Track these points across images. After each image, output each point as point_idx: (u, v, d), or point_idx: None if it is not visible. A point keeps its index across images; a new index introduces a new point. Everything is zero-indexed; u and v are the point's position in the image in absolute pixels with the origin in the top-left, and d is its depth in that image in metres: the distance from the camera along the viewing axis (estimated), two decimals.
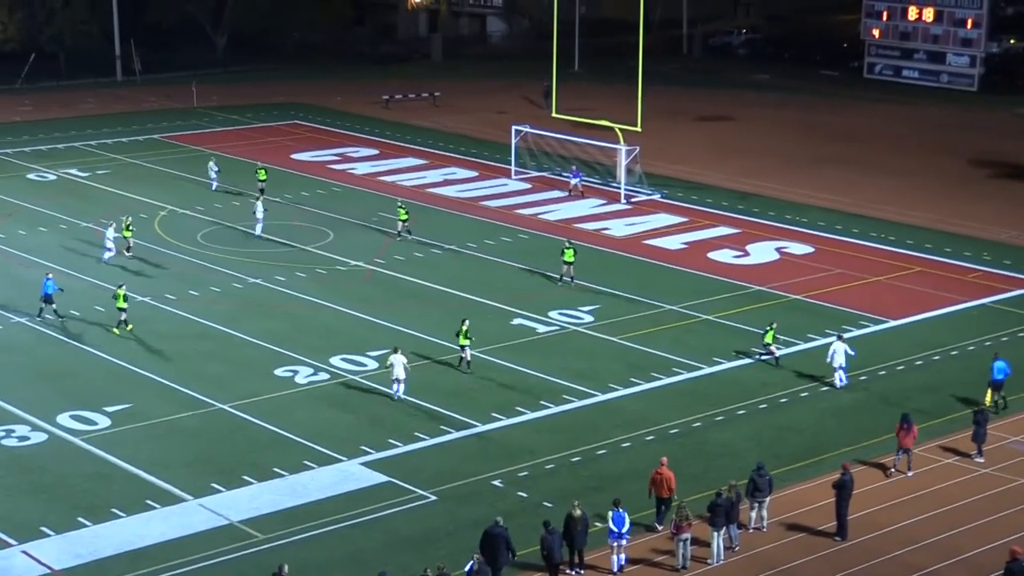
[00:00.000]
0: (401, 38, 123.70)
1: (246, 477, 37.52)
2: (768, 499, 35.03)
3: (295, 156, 75.94)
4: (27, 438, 39.88)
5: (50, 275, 50.16)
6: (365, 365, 45.44)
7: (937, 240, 61.42)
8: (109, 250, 55.91)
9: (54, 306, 49.35)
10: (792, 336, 48.44)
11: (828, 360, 44.38)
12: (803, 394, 43.84)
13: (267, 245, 58.99)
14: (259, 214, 60.10)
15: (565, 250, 54.31)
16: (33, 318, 49.28)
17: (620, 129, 69.94)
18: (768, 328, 46.66)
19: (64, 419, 41.08)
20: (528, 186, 70.39)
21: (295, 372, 44.86)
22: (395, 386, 42.85)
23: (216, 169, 69.04)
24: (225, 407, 42.16)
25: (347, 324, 49.57)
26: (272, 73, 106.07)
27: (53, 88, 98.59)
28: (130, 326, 48.40)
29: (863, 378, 45.21)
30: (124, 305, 48.30)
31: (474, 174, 72.89)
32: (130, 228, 57.57)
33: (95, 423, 40.86)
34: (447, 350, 46.73)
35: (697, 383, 44.69)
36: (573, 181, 68.25)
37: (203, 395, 42.94)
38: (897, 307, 52.22)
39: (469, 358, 45.15)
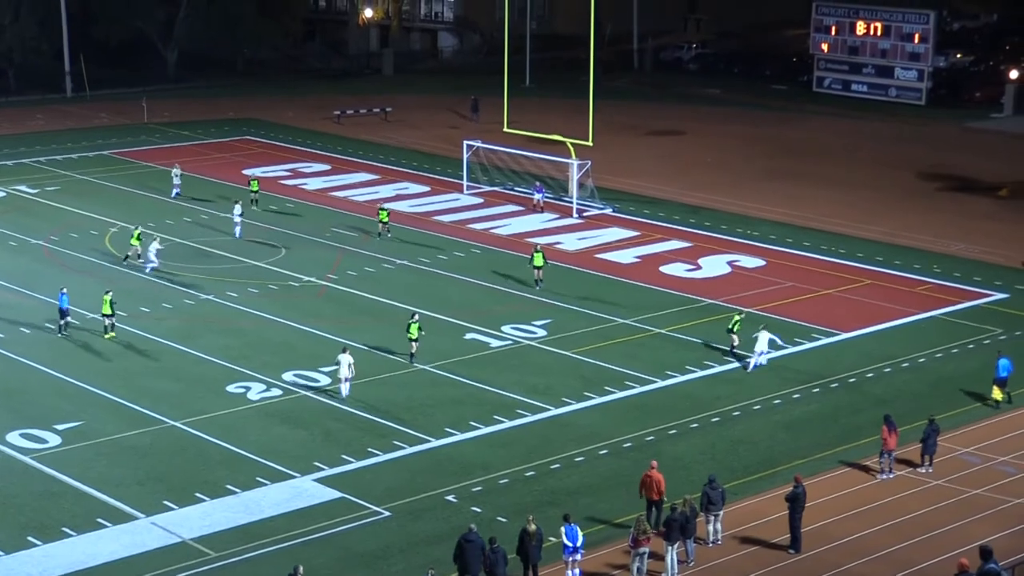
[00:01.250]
0: (352, 53, 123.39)
1: (198, 494, 37.20)
2: (722, 512, 35.03)
3: (247, 171, 75.53)
4: None
5: (64, 289, 49.84)
6: (318, 381, 45.21)
7: (887, 253, 61.73)
8: (152, 262, 56.12)
9: (66, 320, 49.07)
10: (743, 349, 48.51)
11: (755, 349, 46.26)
12: (756, 407, 43.92)
13: (219, 261, 58.63)
14: (236, 217, 61.26)
15: (535, 254, 55.21)
16: None
17: (572, 143, 69.97)
18: (737, 318, 48.14)
19: (13, 437, 40.62)
20: (480, 201, 70.33)
21: (247, 388, 44.59)
22: (345, 385, 43.39)
23: (179, 174, 69.28)
24: (177, 424, 41.83)
25: (300, 340, 49.33)
26: (223, 89, 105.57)
27: (1, 104, 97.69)
28: (111, 333, 48.56)
29: (815, 390, 45.35)
30: (110, 311, 48.53)
31: (426, 189, 72.79)
32: (139, 238, 57.82)
33: (45, 441, 40.43)
34: (400, 365, 46.57)
35: (650, 397, 44.70)
36: (536, 197, 68.08)
37: (155, 412, 42.59)
38: (848, 319, 52.43)
39: (414, 351, 46.38)
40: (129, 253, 57.95)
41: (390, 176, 75.83)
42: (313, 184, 73.75)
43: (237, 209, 62.42)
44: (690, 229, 65.39)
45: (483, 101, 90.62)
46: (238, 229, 61.77)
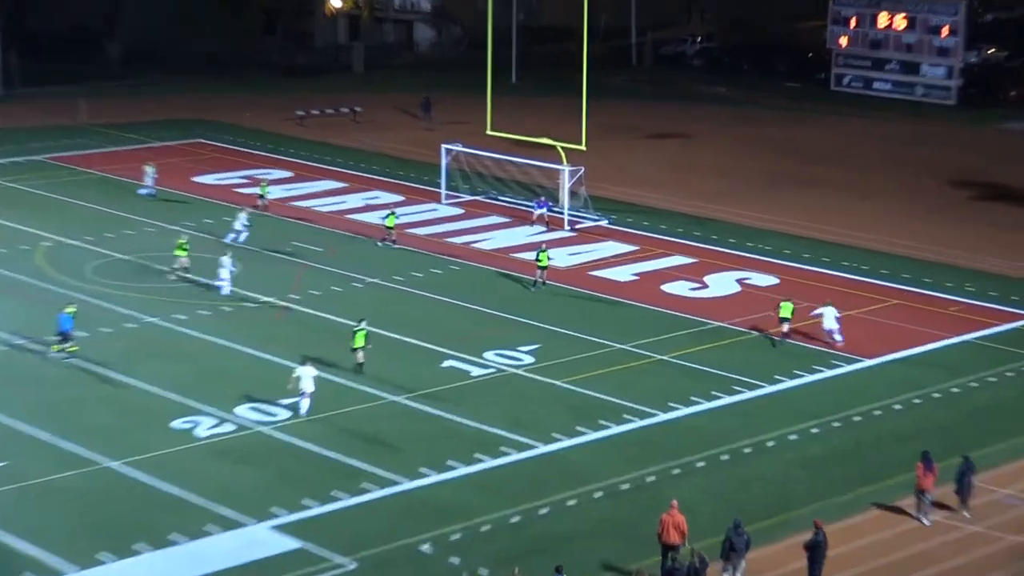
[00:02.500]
0: (318, 47, 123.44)
1: (138, 545, 36.62)
2: (744, 562, 34.58)
3: (197, 179, 75.21)
4: None
5: (67, 309, 49.76)
6: (275, 415, 44.68)
7: (915, 269, 61.58)
8: (224, 280, 56.07)
9: (67, 345, 49.00)
10: (756, 378, 48.13)
11: None
12: (769, 443, 43.58)
13: (164, 279, 58.04)
14: (240, 224, 61.87)
15: (540, 254, 57.23)
16: None
17: (563, 148, 69.81)
18: (784, 303, 51.39)
19: None
20: (460, 211, 70.04)
21: (196, 423, 44.02)
22: (301, 401, 43.76)
23: (154, 174, 70.42)
24: (114, 465, 41.23)
25: (256, 369, 48.78)
26: (172, 86, 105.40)
27: None
28: (74, 347, 48.84)
29: (836, 424, 44.99)
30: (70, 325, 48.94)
31: (400, 198, 72.45)
32: (185, 247, 57.94)
33: None
34: (369, 397, 46.10)
35: (651, 432, 44.29)
36: (538, 211, 67.59)
37: (89, 451, 41.95)
38: (872, 345, 52.13)
39: (362, 360, 47.39)
40: (176, 267, 57.76)
41: (359, 184, 75.52)
42: (273, 193, 73.22)
43: (243, 217, 62.48)
44: (695, 243, 65.25)
45: (456, 101, 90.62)
46: (243, 236, 61.72)
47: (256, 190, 70.49)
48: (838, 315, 51.88)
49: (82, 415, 44.57)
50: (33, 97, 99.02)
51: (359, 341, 47.72)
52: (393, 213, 64.41)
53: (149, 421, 44.12)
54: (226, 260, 56.58)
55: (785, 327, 52.11)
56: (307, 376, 44.21)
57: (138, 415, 44.63)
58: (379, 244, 62.86)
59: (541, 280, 57.70)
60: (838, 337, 51.49)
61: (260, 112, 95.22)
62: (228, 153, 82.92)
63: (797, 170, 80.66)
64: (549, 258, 58.30)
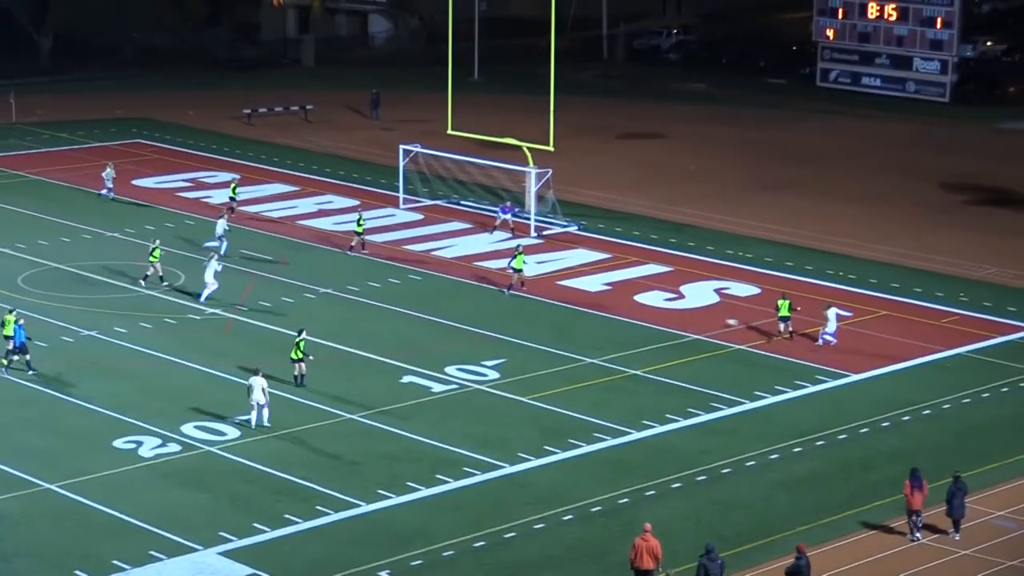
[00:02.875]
0: (265, 40, 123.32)
1: (79, 572, 36.97)
2: None
3: (137, 182, 75.45)
4: None
5: (20, 320, 50.12)
6: (224, 434, 45.14)
7: (905, 278, 62.25)
8: (209, 286, 57.18)
9: (28, 357, 49.50)
10: (736, 394, 48.84)
11: None
12: (749, 463, 44.16)
13: (103, 289, 58.49)
14: (220, 230, 62.24)
15: (517, 255, 58.75)
16: None
17: (529, 148, 70.23)
18: (782, 301, 53.40)
19: None
20: (420, 217, 70.50)
21: (139, 443, 44.42)
22: (254, 413, 44.84)
23: (112, 176, 71.25)
24: (52, 487, 41.58)
25: (203, 385, 49.25)
26: (109, 82, 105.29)
27: None
28: (6, 361, 49.25)
29: (820, 443, 45.67)
30: (10, 333, 49.18)
31: (355, 203, 72.81)
32: (157, 255, 58.75)
33: None
34: (323, 414, 46.62)
35: (623, 451, 44.83)
36: (502, 217, 67.94)
37: (25, 473, 42.28)
38: (859, 358, 52.80)
39: (304, 371, 48.38)
40: (148, 274, 58.60)
41: (311, 187, 75.89)
42: (218, 197, 73.56)
43: (222, 223, 62.94)
44: (670, 251, 65.73)
45: (415, 98, 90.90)
46: (224, 245, 62.04)
47: (226, 192, 71.05)
48: (840, 313, 54.21)
49: (17, 435, 44.91)
50: None
51: (299, 352, 48.50)
52: (361, 217, 65.19)
53: (89, 441, 44.47)
54: (213, 263, 57.46)
55: (782, 326, 53.93)
56: (258, 387, 44.91)
57: (78, 435, 44.96)
58: (350, 253, 63.46)
59: (520, 283, 58.71)
60: (831, 339, 53.35)
61: (204, 110, 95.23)
62: (170, 154, 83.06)
63: (780, 172, 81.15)
64: (524, 261, 59.28)
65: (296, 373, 48.63)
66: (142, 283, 58.65)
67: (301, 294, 58.58)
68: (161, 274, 58.79)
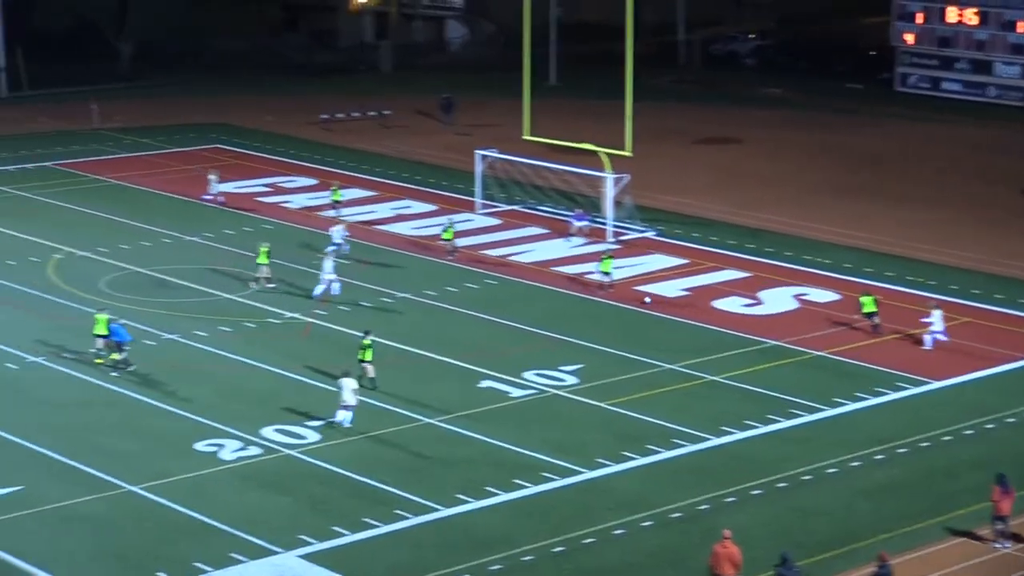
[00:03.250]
0: (343, 46, 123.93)
1: (160, 574, 37.19)
2: None
3: (217, 187, 75.79)
4: None
5: (119, 319, 51.09)
6: (304, 438, 45.30)
7: (986, 284, 61.76)
8: (323, 284, 58.13)
9: (124, 355, 50.42)
10: (816, 400, 48.57)
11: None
12: (830, 470, 43.91)
13: (184, 293, 58.89)
14: (338, 238, 63.14)
15: (605, 259, 60.02)
16: None
17: (606, 154, 70.15)
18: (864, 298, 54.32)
19: None
20: (497, 222, 70.55)
21: (220, 446, 44.68)
22: (340, 413, 45.24)
23: (216, 181, 72.29)
24: (135, 489, 41.88)
25: (282, 388, 49.45)
26: (188, 88, 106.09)
27: None
28: (101, 359, 49.97)
29: (902, 450, 45.33)
30: (104, 332, 50.20)
31: (432, 208, 73.05)
32: (267, 255, 59.66)
33: None
34: (402, 418, 46.70)
35: (702, 458, 44.70)
36: (577, 224, 68.13)
37: (108, 475, 42.62)
38: (941, 366, 52.43)
39: (373, 375, 48.59)
40: (258, 276, 59.21)
41: (389, 192, 76.10)
42: (297, 201, 74.02)
43: (338, 231, 63.65)
44: (749, 256, 65.58)
45: (491, 103, 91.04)
46: (345, 248, 63.34)
47: (304, 197, 72.11)
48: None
49: (101, 437, 45.28)
50: (40, 100, 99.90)
51: (368, 354, 48.76)
52: (452, 225, 65.38)
53: (171, 443, 44.83)
54: (328, 264, 58.39)
55: (876, 320, 54.63)
56: (347, 388, 45.38)
57: (160, 437, 45.33)
58: (451, 256, 63.95)
59: (608, 285, 59.38)
60: (942, 337, 53.75)
61: (282, 115, 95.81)
62: (248, 160, 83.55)
63: (858, 177, 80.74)
64: (613, 266, 60.09)
65: (367, 375, 48.72)
66: (253, 285, 59.30)
67: (379, 298, 58.73)
68: (268, 276, 59.33)
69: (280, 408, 47.52)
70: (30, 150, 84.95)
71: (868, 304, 54.67)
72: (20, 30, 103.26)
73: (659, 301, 58.93)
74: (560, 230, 68.65)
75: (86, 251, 64.57)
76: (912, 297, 59.84)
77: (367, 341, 49.02)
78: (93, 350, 50.81)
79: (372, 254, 64.21)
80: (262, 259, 59.58)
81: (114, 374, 50.03)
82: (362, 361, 48.86)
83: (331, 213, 70.60)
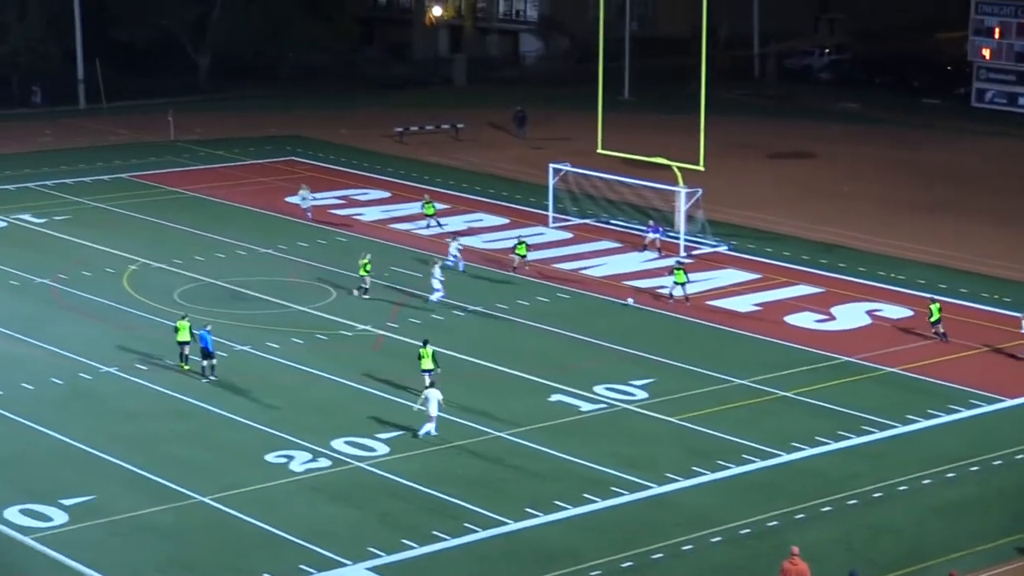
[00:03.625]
0: (417, 59, 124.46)
1: None
2: None
3: (291, 199, 76.21)
4: None
5: (208, 326, 51.62)
6: (374, 450, 45.43)
7: None
8: (438, 290, 59.35)
9: (213, 362, 51.04)
10: (887, 417, 48.24)
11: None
12: (901, 488, 43.61)
13: (256, 305, 59.20)
14: (454, 251, 63.48)
15: (677, 271, 60.31)
16: None
17: (679, 168, 70.03)
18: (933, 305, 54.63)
19: (12, 514, 41.10)
20: (569, 236, 70.52)
21: (290, 458, 44.88)
22: (426, 425, 45.80)
23: (309, 196, 72.01)
24: (205, 499, 42.13)
25: (353, 401, 49.63)
26: (264, 101, 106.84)
27: (5, 117, 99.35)
28: (186, 365, 51.09)
29: (974, 468, 44.94)
30: (187, 338, 51.15)
31: (504, 221, 73.21)
32: (368, 267, 60.21)
33: (49, 519, 40.85)
34: (471, 431, 46.75)
35: (772, 474, 44.52)
36: (651, 236, 68.09)
37: (179, 485, 42.91)
38: (1015, 383, 51.96)
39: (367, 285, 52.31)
40: (364, 286, 60.09)
41: (462, 205, 76.28)
42: (370, 214, 74.30)
43: (454, 245, 63.91)
44: (821, 271, 65.27)
45: (565, 117, 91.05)
46: (461, 264, 63.45)
47: (378, 210, 72.85)
48: None
49: (172, 447, 45.60)
50: (118, 112, 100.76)
51: (427, 363, 49.02)
52: (522, 241, 65.13)
53: (242, 455, 45.07)
54: (437, 271, 59.38)
55: (940, 328, 55.10)
56: (433, 399, 45.70)
57: (230, 448, 45.59)
58: (514, 273, 63.84)
59: (684, 298, 59.88)
60: None
61: (356, 128, 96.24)
62: (323, 172, 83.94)
63: (933, 193, 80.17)
64: (687, 277, 60.33)
65: (427, 384, 48.77)
66: (355, 292, 60.17)
67: (450, 312, 58.82)
68: (367, 286, 60.06)
69: (350, 420, 47.68)
70: (107, 161, 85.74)
71: (936, 312, 55.11)
72: (99, 43, 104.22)
73: (731, 316, 58.77)
74: (633, 243, 68.50)
75: (161, 262, 65.05)
76: (986, 314, 59.39)
77: (426, 351, 49.27)
78: (181, 360, 51.73)
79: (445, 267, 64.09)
80: (364, 270, 60.18)
81: (213, 377, 50.80)
82: (425, 371, 49.10)
83: (422, 225, 70.97)
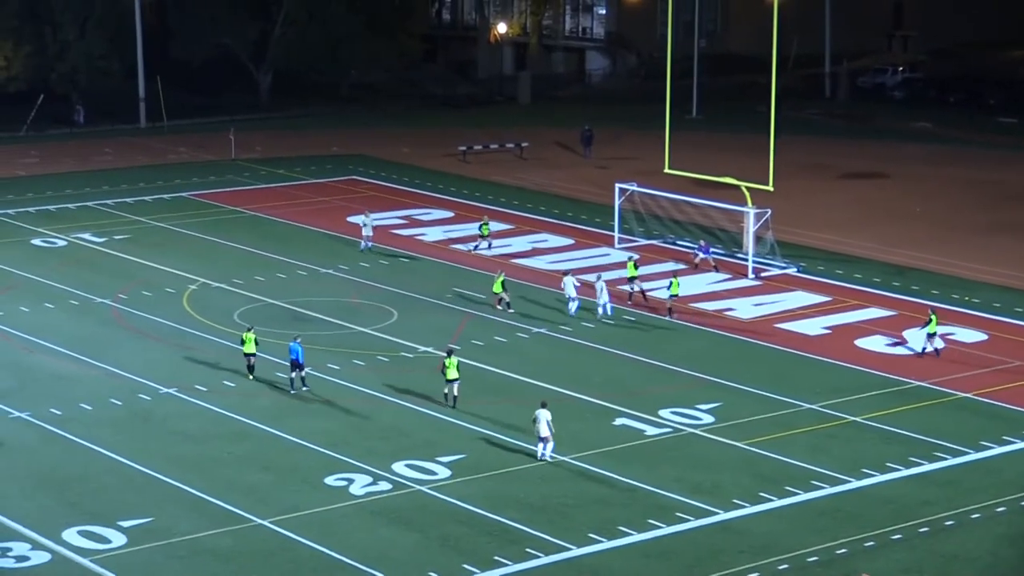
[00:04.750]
0: (482, 77, 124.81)
1: None
2: None
3: (353, 219, 76.49)
4: (27, 558, 40.27)
5: (298, 338, 52.37)
6: (435, 474, 45.56)
7: None
8: (574, 300, 60.93)
9: (303, 373, 51.85)
10: (960, 443, 48.01)
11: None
12: (974, 515, 43.34)
13: (318, 326, 59.48)
14: (602, 292, 61.55)
15: (673, 282, 61.35)
16: (36, 413, 49.99)
17: (748, 188, 69.99)
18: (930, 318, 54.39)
19: (71, 535, 41.42)
20: (635, 256, 70.39)
21: (350, 481, 45.05)
22: (540, 445, 46.03)
23: (370, 223, 71.47)
24: (265, 523, 42.36)
25: (414, 423, 49.82)
26: (326, 119, 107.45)
27: (64, 136, 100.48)
28: (251, 376, 52.82)
29: None
30: (253, 350, 52.62)
31: (569, 242, 73.35)
32: (503, 284, 61.62)
33: (108, 540, 41.18)
34: (534, 455, 46.71)
35: (842, 500, 44.36)
36: (701, 256, 68.31)
37: (238, 508, 43.17)
38: None
39: (456, 392, 50.35)
40: (505, 299, 61.28)
41: (526, 226, 76.44)
42: (432, 234, 74.53)
43: (570, 281, 61.89)
44: (893, 294, 65.03)
45: (631, 136, 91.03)
46: (610, 308, 61.29)
47: (441, 229, 73.35)
48: None
49: (231, 469, 45.88)
50: (179, 130, 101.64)
51: (452, 372, 49.90)
52: (633, 261, 64.56)
53: (301, 477, 45.26)
54: (569, 280, 60.98)
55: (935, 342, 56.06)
56: (543, 420, 45.88)
57: (290, 471, 45.78)
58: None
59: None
60: None
61: (419, 147, 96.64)
62: (385, 191, 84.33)
63: (1009, 214, 79.59)
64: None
65: (448, 392, 50.35)
66: (498, 307, 61.18)
67: (514, 334, 58.96)
68: (508, 300, 61.07)
69: (411, 443, 47.86)
70: (167, 180, 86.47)
71: (932, 326, 55.84)
72: (160, 61, 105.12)
73: (800, 339, 58.62)
74: (700, 265, 68.40)
75: (221, 282, 65.50)
76: None
77: (451, 361, 50.00)
78: (248, 371, 53.00)
79: (509, 289, 64.13)
80: (497, 287, 61.16)
81: (305, 389, 51.82)
82: (450, 380, 50.03)
83: (473, 245, 71.17)
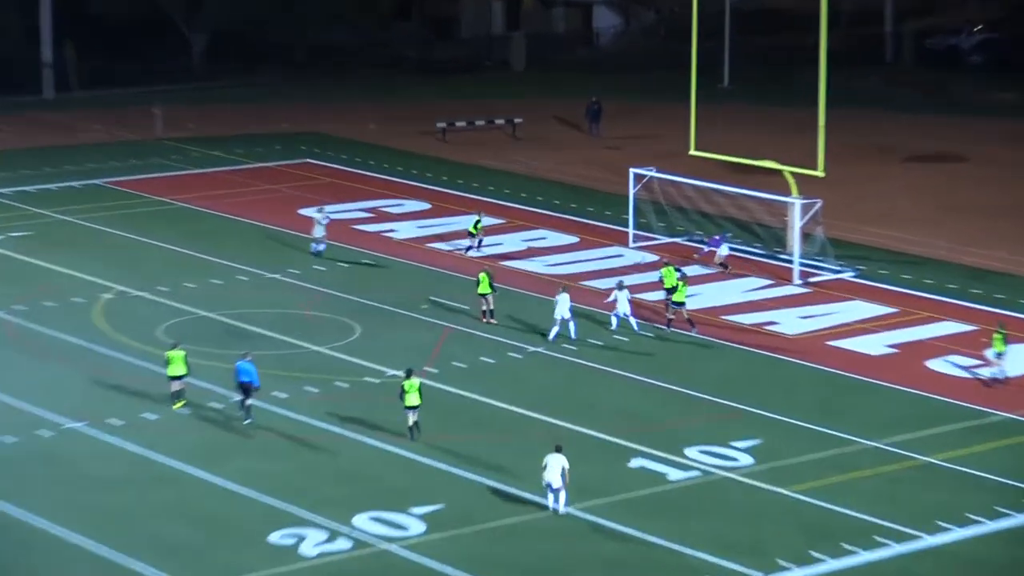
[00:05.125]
0: (466, 37, 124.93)
1: None
2: None
3: (305, 211, 76.07)
4: None
5: (248, 355, 52.51)
6: (406, 528, 45.12)
7: None
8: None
9: (249, 401, 52.06)
10: None
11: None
12: None
13: (263, 344, 59.05)
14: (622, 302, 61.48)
15: (670, 280, 61.19)
16: None
17: (792, 174, 69.68)
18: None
19: None
20: (654, 258, 70.13)
21: (300, 538, 44.53)
22: (551, 497, 45.68)
23: (325, 221, 70.70)
24: None
25: (380, 466, 49.43)
26: (274, 89, 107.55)
27: None
28: (179, 403, 52.68)
29: None
30: (181, 373, 52.74)
31: (573, 240, 73.24)
32: (492, 285, 61.85)
33: None
34: (530, 506, 46.32)
35: (912, 561, 43.94)
36: (709, 249, 68.58)
37: (160, 570, 42.56)
38: None
39: (417, 420, 50.54)
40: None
41: (519, 220, 76.47)
42: (404, 231, 74.31)
43: (624, 292, 61.42)
44: (973, 304, 65.09)
45: (649, 110, 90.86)
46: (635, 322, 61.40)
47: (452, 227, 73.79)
48: None
49: (151, 523, 45.31)
50: (93, 102, 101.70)
51: (413, 398, 50.17)
52: (671, 267, 63.45)
53: (239, 533, 44.76)
54: (563, 297, 60.07)
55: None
56: (557, 467, 45.33)
57: (224, 525, 45.30)
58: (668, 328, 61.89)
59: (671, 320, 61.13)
60: None
61: (389, 123, 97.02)
62: (346, 178, 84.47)
63: None
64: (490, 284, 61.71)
65: (411, 423, 50.35)
66: (484, 320, 61.32)
67: (505, 353, 58.71)
68: (492, 307, 61.38)
69: (376, 490, 47.40)
70: (78, 164, 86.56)
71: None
72: (71, 19, 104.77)
73: (859, 360, 58.40)
74: (737, 267, 68.51)
75: (142, 290, 65.29)
76: None
77: (411, 383, 50.07)
78: (174, 399, 52.64)
79: (498, 298, 63.68)
80: (484, 287, 61.19)
81: (247, 422, 51.47)
82: (409, 408, 50.22)
83: (466, 247, 70.96)
